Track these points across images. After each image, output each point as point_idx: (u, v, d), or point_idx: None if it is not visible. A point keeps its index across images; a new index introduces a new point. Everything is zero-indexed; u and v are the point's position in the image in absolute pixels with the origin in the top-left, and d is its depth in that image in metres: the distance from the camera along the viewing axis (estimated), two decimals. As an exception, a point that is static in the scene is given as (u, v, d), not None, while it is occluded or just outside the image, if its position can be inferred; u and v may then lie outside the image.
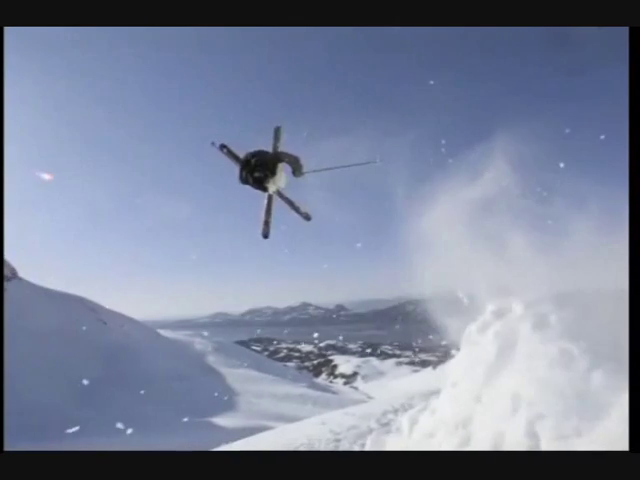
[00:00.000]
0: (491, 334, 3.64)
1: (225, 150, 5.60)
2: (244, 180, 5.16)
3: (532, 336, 4.72)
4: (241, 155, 5.39)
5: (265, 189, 5.30)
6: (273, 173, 5.10)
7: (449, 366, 3.66)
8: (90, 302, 69.78)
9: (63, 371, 49.29)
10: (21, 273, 63.80)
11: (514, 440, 3.30)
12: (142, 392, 48.37)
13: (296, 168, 5.32)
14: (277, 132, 5.71)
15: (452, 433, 2.82)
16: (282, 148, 5.57)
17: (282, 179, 5.32)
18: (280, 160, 5.23)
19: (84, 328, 59.97)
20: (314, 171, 5.55)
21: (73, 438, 31.74)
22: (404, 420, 3.75)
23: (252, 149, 5.34)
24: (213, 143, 5.63)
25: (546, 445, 3.11)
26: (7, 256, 62.71)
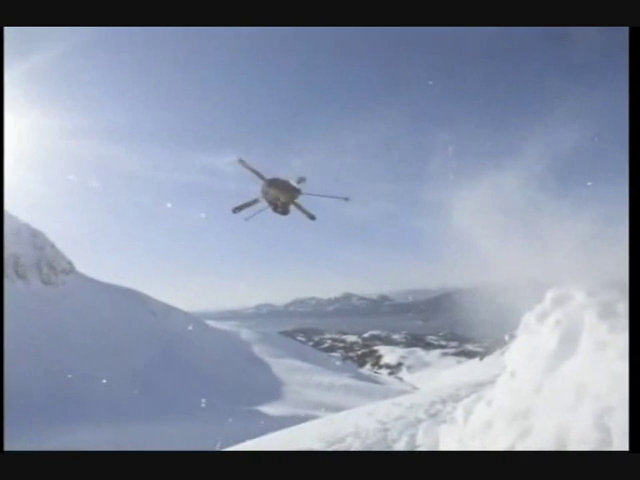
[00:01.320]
0: (551, 322, 3.39)
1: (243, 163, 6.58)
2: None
3: (598, 325, 4.38)
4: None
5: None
6: (288, 196, 6.35)
7: (506, 355, 3.46)
8: (141, 294, 72.83)
9: (118, 361, 51.78)
10: (78, 267, 67.50)
11: (581, 433, 3.07)
12: (192, 382, 50.22)
13: (294, 191, 6.45)
14: (242, 163, 6.56)
15: (511, 424, 2.65)
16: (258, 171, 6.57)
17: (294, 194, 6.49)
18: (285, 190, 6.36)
19: (137, 319, 62.91)
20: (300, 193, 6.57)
21: (129, 423, 33.42)
22: (458, 410, 3.58)
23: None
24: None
25: (618, 440, 2.88)
26: (65, 251, 66.42)
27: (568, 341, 3.26)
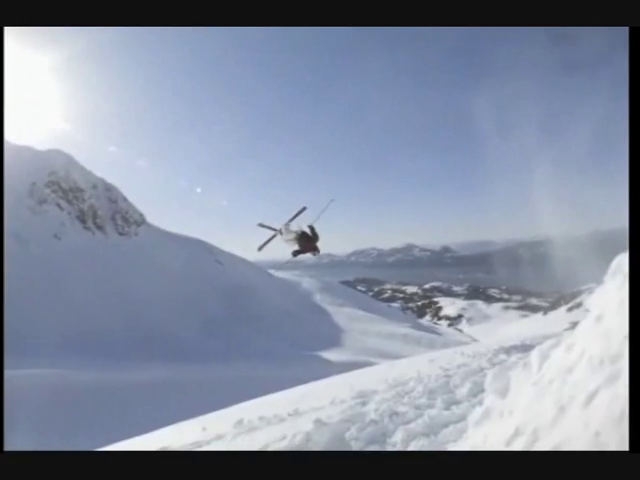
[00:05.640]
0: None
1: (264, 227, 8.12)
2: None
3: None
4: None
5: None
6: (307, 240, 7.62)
7: (590, 300, 3.23)
8: (207, 244, 76.16)
9: (190, 307, 55.21)
10: (149, 219, 71.26)
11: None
12: (257, 328, 52.79)
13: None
14: (301, 211, 7.86)
15: (596, 369, 2.48)
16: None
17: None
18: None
19: (205, 269, 66.19)
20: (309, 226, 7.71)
21: (203, 365, 35.93)
22: (533, 354, 3.42)
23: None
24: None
25: None
26: (137, 204, 70.12)
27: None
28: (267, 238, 8.13)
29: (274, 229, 7.96)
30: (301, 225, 7.69)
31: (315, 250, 7.53)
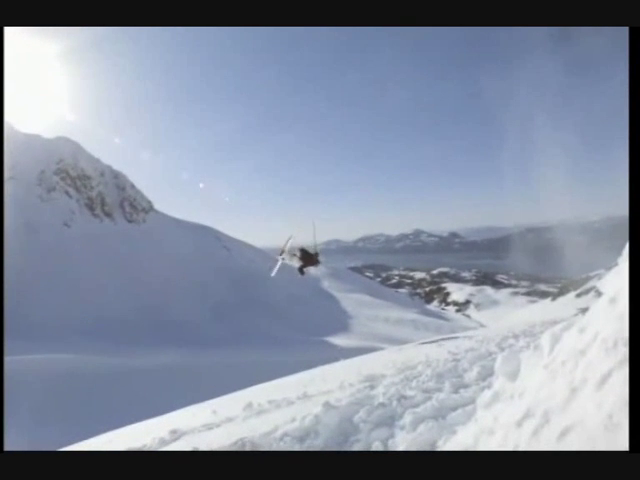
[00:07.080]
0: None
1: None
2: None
3: None
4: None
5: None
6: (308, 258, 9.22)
7: (603, 282, 3.18)
8: (214, 230, 76.38)
9: (198, 292, 55.59)
10: (156, 206, 71.45)
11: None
12: (265, 314, 53.14)
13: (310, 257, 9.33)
14: (289, 239, 9.49)
15: (610, 351, 2.44)
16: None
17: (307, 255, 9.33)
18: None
19: (213, 255, 66.50)
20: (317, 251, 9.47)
21: (212, 350, 36.31)
22: (544, 337, 3.38)
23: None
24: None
25: None
26: (144, 191, 70.29)
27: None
28: (276, 263, 10.11)
29: (277, 259, 9.87)
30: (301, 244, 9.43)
31: (317, 263, 9.10)
